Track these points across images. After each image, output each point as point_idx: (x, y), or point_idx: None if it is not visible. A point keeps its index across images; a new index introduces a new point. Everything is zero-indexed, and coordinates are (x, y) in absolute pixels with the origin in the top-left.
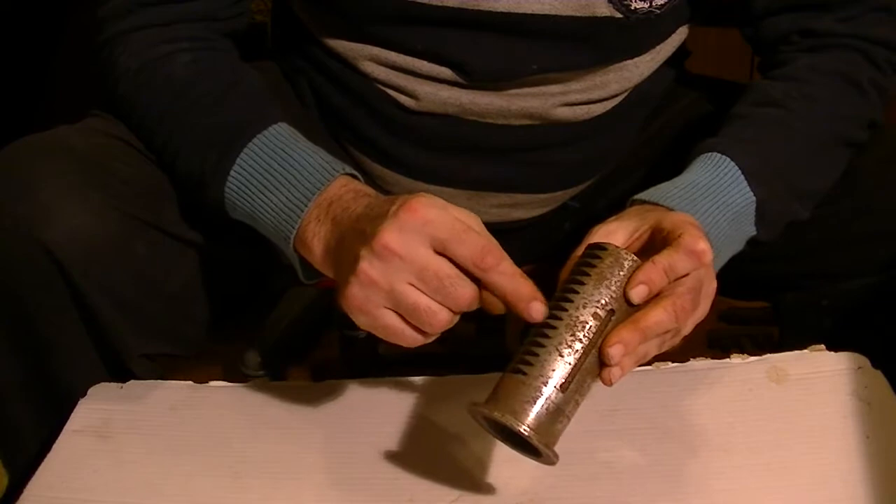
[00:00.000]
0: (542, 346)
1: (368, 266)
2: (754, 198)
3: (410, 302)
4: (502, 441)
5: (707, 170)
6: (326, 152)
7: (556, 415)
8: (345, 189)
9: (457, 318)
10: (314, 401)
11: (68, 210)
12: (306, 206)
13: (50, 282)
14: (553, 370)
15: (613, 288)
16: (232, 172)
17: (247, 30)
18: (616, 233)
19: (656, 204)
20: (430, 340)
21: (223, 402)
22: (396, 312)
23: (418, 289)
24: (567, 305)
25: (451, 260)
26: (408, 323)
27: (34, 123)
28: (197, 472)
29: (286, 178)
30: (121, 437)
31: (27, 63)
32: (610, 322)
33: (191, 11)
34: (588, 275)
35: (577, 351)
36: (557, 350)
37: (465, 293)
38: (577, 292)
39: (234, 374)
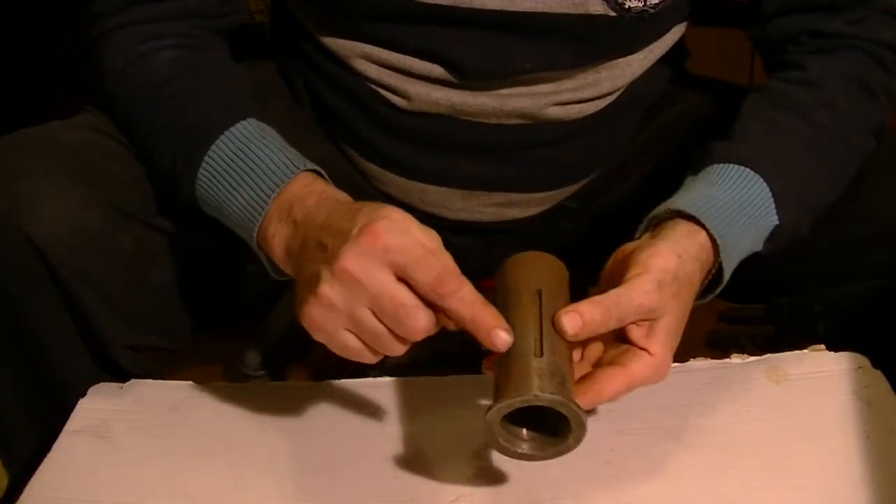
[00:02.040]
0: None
1: (329, 288)
2: (777, 223)
3: (368, 328)
4: (524, 456)
5: (741, 188)
6: (290, 149)
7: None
8: (307, 190)
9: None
10: (314, 401)
11: (52, 203)
12: (266, 204)
13: (34, 274)
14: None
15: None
16: (200, 172)
17: (246, 30)
18: (664, 254)
19: (693, 218)
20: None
21: (223, 402)
22: (355, 333)
23: (376, 315)
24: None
25: (413, 285)
26: (366, 343)
27: (34, 122)
28: (197, 472)
29: (248, 177)
30: (121, 437)
31: (27, 63)
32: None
33: (180, 9)
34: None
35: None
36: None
37: (419, 324)
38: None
39: (234, 374)
